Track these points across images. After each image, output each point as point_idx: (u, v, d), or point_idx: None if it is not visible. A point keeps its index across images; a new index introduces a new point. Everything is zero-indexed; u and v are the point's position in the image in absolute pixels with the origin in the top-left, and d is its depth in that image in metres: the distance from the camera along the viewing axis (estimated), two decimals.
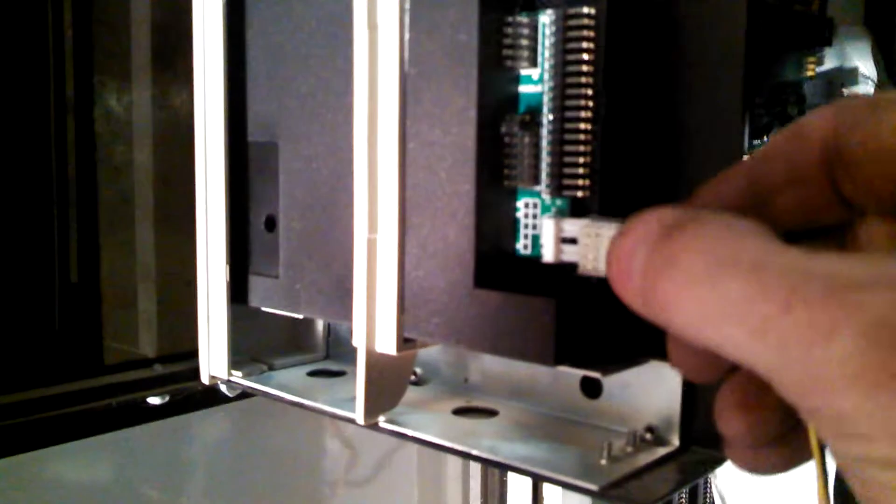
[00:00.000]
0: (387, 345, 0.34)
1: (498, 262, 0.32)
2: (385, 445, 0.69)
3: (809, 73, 0.64)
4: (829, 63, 0.61)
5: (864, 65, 0.67)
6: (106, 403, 0.42)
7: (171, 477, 0.56)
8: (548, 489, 0.67)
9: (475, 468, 0.71)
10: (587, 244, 0.29)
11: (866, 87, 0.66)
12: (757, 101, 0.54)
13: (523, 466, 0.31)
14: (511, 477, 0.70)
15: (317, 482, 0.68)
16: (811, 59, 0.61)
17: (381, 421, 0.35)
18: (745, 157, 0.25)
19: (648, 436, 0.33)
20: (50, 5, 0.49)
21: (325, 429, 0.67)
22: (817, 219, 0.23)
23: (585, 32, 0.29)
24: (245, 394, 0.44)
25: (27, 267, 0.49)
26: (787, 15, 0.55)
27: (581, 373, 0.30)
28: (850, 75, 0.66)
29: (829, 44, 0.57)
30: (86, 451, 0.49)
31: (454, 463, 0.73)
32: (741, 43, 0.30)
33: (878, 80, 0.67)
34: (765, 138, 0.63)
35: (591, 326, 0.30)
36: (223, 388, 0.44)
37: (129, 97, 0.50)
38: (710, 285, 0.18)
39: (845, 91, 0.62)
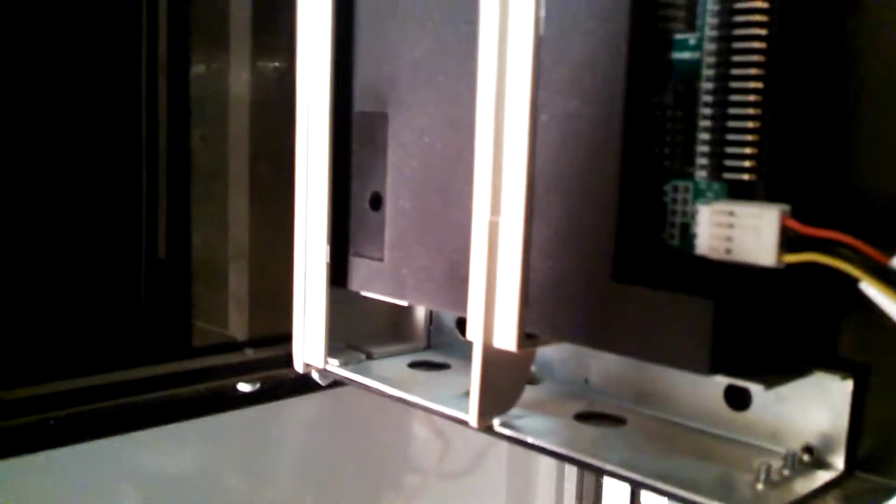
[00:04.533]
0: (506, 340, 0.30)
1: (641, 252, 0.28)
2: (478, 438, 0.66)
3: None
4: None
5: None
6: (194, 389, 0.40)
7: (258, 463, 0.54)
8: (647, 494, 0.63)
9: (570, 468, 0.68)
10: (748, 231, 0.25)
11: None
12: None
13: (663, 486, 0.28)
14: (607, 480, 0.66)
15: (406, 473, 0.65)
16: None
17: (497, 424, 0.32)
18: None
19: (806, 457, 0.29)
20: None
21: (416, 418, 0.64)
22: None
23: None
24: (337, 382, 0.41)
25: (113, 240, 0.47)
26: None
27: (739, 383, 0.26)
28: None
29: None
30: (173, 435, 0.46)
31: (546, 462, 0.69)
32: None
33: None
34: None
35: (753, 330, 0.26)
36: (316, 376, 0.41)
37: (225, 63, 0.47)
38: None
39: None
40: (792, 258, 0.25)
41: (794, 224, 0.25)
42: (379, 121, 0.36)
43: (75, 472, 0.41)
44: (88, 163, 0.46)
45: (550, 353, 0.36)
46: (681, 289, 0.26)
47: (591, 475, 0.67)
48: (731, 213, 0.26)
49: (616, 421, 0.33)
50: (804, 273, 0.25)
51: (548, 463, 0.69)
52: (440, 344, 0.42)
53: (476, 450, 0.69)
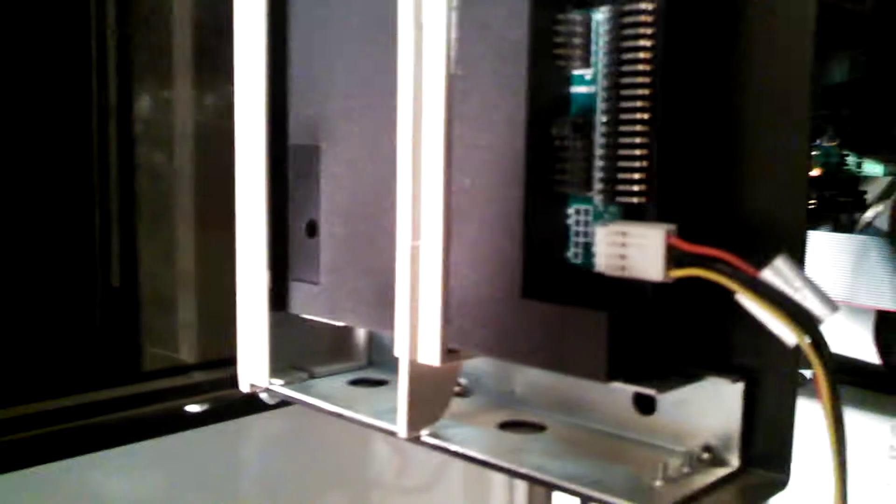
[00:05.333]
0: (430, 356, 0.32)
1: (547, 271, 0.30)
2: (434, 454, 0.68)
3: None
4: None
5: None
6: (145, 411, 0.41)
7: (218, 482, 0.55)
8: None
9: (520, 480, 0.70)
10: (638, 249, 0.28)
11: None
12: None
13: (572, 486, 0.30)
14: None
15: (366, 489, 0.67)
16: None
17: (424, 434, 0.34)
18: None
19: (705, 456, 0.31)
20: (93, 6, 0.49)
21: (374, 435, 0.66)
22: None
23: (642, 30, 0.28)
24: (285, 401, 0.43)
25: (69, 271, 0.49)
26: (836, 14, 0.53)
27: (635, 389, 0.29)
28: None
29: None
30: (128, 456, 0.48)
31: (500, 475, 0.71)
32: (810, 38, 0.28)
33: None
34: (817, 141, 0.60)
35: (647, 339, 0.29)
36: (263, 396, 0.43)
37: (169, 98, 0.49)
38: None
39: None
40: (677, 273, 0.27)
41: (678, 242, 0.27)
42: (312, 153, 0.38)
43: (30, 497, 0.43)
44: (45, 195, 0.48)
45: (479, 366, 0.39)
46: (580, 303, 0.28)
47: (540, 487, 0.69)
48: (624, 234, 0.28)
49: (537, 428, 0.35)
50: (694, 286, 0.28)
51: (501, 476, 0.71)
52: (380, 361, 0.44)
53: (435, 463, 0.71)
